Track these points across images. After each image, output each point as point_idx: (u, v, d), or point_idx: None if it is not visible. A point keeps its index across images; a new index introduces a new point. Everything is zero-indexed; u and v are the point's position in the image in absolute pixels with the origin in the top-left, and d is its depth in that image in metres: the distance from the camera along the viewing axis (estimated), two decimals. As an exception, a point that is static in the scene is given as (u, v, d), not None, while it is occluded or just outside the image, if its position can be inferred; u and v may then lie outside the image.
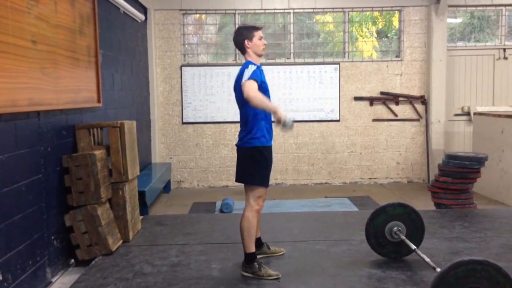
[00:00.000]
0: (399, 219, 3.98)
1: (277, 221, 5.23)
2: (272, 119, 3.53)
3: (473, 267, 2.77)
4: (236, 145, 3.85)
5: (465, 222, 5.12)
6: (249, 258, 3.69)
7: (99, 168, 4.14)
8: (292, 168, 8.34)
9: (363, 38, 8.86)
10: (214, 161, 8.28)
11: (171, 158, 8.29)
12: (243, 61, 3.87)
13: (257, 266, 3.66)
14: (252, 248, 3.69)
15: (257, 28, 3.76)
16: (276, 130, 3.90)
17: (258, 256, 3.79)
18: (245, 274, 3.70)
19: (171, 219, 5.51)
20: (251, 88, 3.47)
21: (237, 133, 3.91)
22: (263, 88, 3.66)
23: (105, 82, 5.35)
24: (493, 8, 8.47)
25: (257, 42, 3.73)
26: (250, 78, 3.53)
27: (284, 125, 3.37)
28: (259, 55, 3.80)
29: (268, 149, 3.74)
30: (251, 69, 3.60)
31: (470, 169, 5.66)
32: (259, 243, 4.00)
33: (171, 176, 8.11)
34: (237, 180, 3.81)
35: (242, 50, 3.82)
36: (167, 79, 8.22)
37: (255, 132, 3.68)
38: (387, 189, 8.00)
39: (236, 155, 3.86)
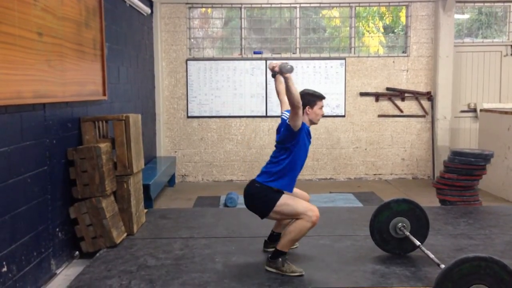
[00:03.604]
0: (403, 215, 3.97)
1: (281, 216, 5.23)
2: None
3: (478, 264, 2.76)
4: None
5: (470, 219, 5.11)
6: (277, 255, 3.64)
7: (104, 161, 4.15)
8: (296, 163, 8.31)
9: (369, 33, 8.82)
10: (219, 156, 8.28)
11: (175, 152, 8.30)
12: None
13: (280, 261, 3.62)
14: (286, 249, 3.64)
15: (321, 98, 3.75)
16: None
17: (272, 250, 3.78)
18: (269, 269, 3.66)
19: (175, 212, 5.52)
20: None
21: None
22: (304, 145, 3.64)
23: (111, 75, 5.35)
24: (501, 4, 8.41)
25: (317, 111, 3.72)
26: None
27: (283, 67, 3.38)
28: (313, 123, 3.77)
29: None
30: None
31: (476, 166, 5.63)
32: (277, 237, 3.93)
33: (175, 170, 8.12)
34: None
35: None
36: (173, 73, 8.21)
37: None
38: (392, 185, 7.99)
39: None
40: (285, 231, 3.65)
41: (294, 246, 4.14)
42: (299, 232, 3.58)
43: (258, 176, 3.72)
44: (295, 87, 3.38)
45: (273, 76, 3.94)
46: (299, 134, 3.57)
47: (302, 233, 3.60)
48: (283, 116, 3.81)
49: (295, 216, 3.59)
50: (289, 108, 3.52)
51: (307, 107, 3.66)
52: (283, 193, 3.66)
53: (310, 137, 3.74)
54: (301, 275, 3.60)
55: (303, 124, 3.57)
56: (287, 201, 3.59)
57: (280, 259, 3.63)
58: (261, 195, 3.63)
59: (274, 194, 3.62)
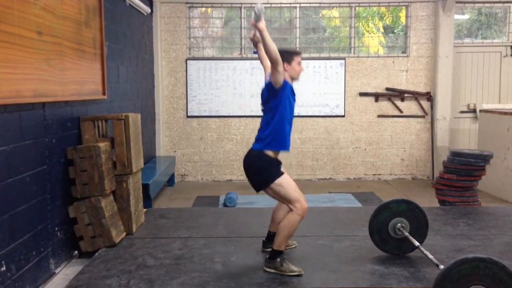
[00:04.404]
0: (402, 215, 3.97)
1: (280, 216, 5.22)
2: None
3: (477, 264, 2.76)
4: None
5: (469, 219, 5.11)
6: (275, 254, 3.65)
7: (103, 160, 4.15)
8: (296, 163, 8.33)
9: (369, 33, 8.82)
10: (218, 155, 8.28)
11: (175, 151, 8.29)
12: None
13: (279, 261, 3.63)
14: (282, 248, 3.66)
15: (297, 53, 3.78)
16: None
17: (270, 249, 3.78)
18: (268, 270, 3.65)
19: (174, 212, 5.52)
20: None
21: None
22: (289, 102, 3.67)
23: (110, 75, 5.35)
24: (501, 5, 8.41)
25: (295, 67, 3.74)
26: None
27: (257, 13, 3.37)
28: (294, 79, 3.80)
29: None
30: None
31: (475, 166, 5.63)
32: (274, 237, 3.90)
33: (175, 170, 8.12)
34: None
35: None
36: (172, 72, 8.21)
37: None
38: (391, 185, 7.99)
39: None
40: (278, 230, 3.67)
41: (293, 246, 4.15)
42: (291, 227, 3.60)
43: (253, 144, 3.79)
44: (271, 40, 3.39)
45: (255, 45, 4.00)
46: (282, 91, 3.60)
47: (294, 227, 3.62)
48: (266, 81, 3.82)
49: (285, 201, 3.65)
50: None
51: (285, 64, 3.67)
52: (283, 173, 3.68)
53: (295, 95, 3.77)
54: (300, 275, 3.60)
55: (285, 82, 3.61)
56: (284, 184, 3.64)
57: (279, 259, 3.63)
58: (262, 165, 3.69)
59: (275, 170, 3.66)
